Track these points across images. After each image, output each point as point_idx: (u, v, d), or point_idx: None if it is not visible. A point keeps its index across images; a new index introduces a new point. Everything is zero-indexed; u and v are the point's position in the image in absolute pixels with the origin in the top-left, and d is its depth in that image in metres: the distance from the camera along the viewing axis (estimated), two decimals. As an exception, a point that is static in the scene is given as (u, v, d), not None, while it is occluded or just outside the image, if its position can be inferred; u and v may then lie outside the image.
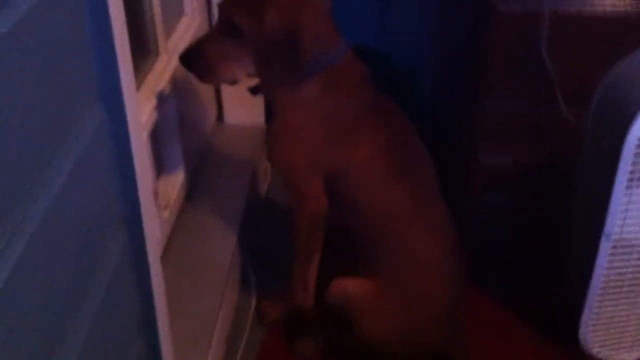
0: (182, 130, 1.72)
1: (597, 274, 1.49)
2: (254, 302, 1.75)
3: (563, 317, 1.65)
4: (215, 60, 1.46)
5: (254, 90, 1.57)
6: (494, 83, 1.73)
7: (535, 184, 1.84)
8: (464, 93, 1.87)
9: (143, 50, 1.58)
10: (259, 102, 2.02)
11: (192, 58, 1.48)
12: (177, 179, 1.74)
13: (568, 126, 1.69)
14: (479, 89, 1.76)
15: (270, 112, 1.62)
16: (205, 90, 1.95)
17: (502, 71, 1.71)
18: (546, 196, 1.83)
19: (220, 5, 1.48)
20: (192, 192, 1.81)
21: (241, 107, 2.06)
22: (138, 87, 1.47)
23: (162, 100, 1.57)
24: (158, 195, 1.62)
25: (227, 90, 2.04)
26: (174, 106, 1.67)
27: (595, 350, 1.59)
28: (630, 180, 1.39)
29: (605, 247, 1.46)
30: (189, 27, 1.83)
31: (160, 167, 1.71)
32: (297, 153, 1.50)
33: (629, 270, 1.50)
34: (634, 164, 1.36)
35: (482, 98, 1.76)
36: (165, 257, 1.56)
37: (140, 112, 1.35)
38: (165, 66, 1.63)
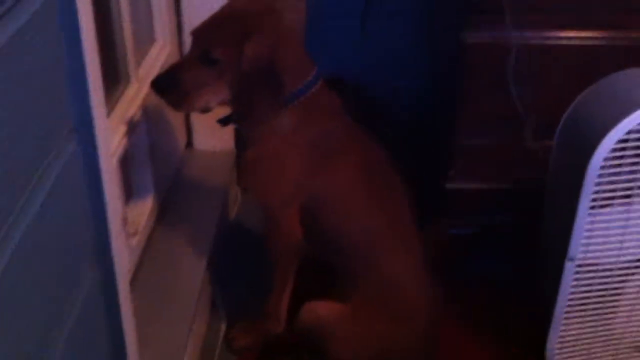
0: (152, 156, 1.72)
1: (563, 295, 1.52)
2: (223, 329, 1.74)
3: (531, 338, 1.67)
4: (190, 88, 1.45)
5: (224, 121, 1.57)
6: (464, 113, 1.76)
7: (503, 211, 1.87)
8: (435, 122, 1.90)
9: (114, 77, 1.58)
10: (228, 128, 2.02)
11: (165, 85, 1.47)
12: (146, 205, 1.73)
13: (535, 156, 1.72)
14: (450, 118, 1.79)
15: (240, 138, 1.62)
16: (175, 117, 1.96)
17: (472, 102, 1.75)
18: (514, 222, 1.86)
19: (194, 33, 1.47)
20: (161, 218, 1.80)
21: (211, 133, 2.06)
22: (108, 114, 1.47)
23: (132, 126, 1.57)
24: (127, 222, 1.61)
25: (196, 116, 2.05)
26: (144, 132, 1.67)
27: (561, 369, 1.61)
28: (593, 204, 1.42)
29: (569, 270, 1.49)
30: (160, 54, 1.84)
31: (130, 192, 1.71)
32: (273, 183, 1.51)
33: (593, 292, 1.53)
34: (596, 186, 1.40)
35: (452, 127, 1.80)
36: (134, 284, 1.55)
37: (110, 140, 1.35)
38: (136, 93, 1.63)
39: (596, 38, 1.69)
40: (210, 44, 1.43)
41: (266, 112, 1.45)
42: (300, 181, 1.50)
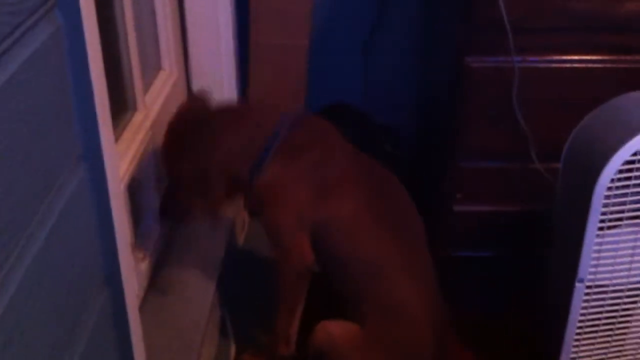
0: (159, 182, 1.73)
1: (573, 316, 1.52)
2: (233, 355, 1.74)
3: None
4: (186, 206, 1.63)
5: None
6: (468, 138, 1.77)
7: (510, 235, 1.87)
8: (440, 148, 1.91)
9: (121, 104, 1.60)
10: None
11: (171, 211, 1.65)
12: (154, 230, 1.74)
13: (541, 179, 1.73)
14: (455, 143, 1.80)
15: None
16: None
17: (476, 126, 1.75)
18: (521, 246, 1.86)
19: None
20: (170, 243, 1.81)
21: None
22: (116, 141, 1.49)
23: (139, 153, 1.59)
24: (135, 248, 1.62)
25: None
26: (151, 158, 1.69)
27: (573, 392, 1.60)
28: (601, 226, 1.42)
29: (579, 291, 1.49)
30: (167, 82, 1.86)
31: (138, 218, 1.72)
32: (282, 212, 1.53)
33: (604, 312, 1.53)
34: (604, 207, 1.40)
35: (457, 152, 1.80)
36: (142, 310, 1.55)
37: (118, 167, 1.36)
38: (143, 120, 1.65)
39: (600, 61, 1.70)
40: (167, 169, 1.61)
41: (201, 215, 1.63)
42: (304, 212, 1.52)
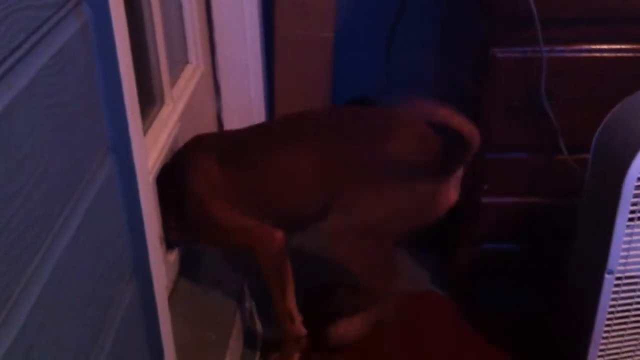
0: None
1: (602, 309, 1.50)
2: (259, 349, 1.74)
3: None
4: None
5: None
6: (494, 129, 1.75)
7: (537, 227, 1.86)
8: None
9: (149, 98, 1.61)
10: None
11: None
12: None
13: (569, 170, 1.71)
14: (480, 135, 1.79)
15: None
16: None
17: (502, 118, 1.74)
18: (548, 238, 1.85)
19: None
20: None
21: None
22: (144, 134, 1.50)
23: (167, 146, 1.60)
24: (163, 240, 1.63)
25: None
26: (179, 152, 1.70)
27: (602, 384, 1.59)
28: (631, 217, 1.41)
29: (609, 283, 1.47)
30: (194, 75, 1.87)
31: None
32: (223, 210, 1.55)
33: (633, 304, 1.51)
34: (634, 198, 1.39)
35: (483, 145, 1.79)
36: (171, 303, 1.57)
37: (147, 160, 1.38)
38: (171, 113, 1.66)
39: (630, 50, 1.67)
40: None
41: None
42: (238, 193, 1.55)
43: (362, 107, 1.62)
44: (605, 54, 1.68)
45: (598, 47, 1.68)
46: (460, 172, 1.51)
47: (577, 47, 1.68)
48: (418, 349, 1.79)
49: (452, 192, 1.50)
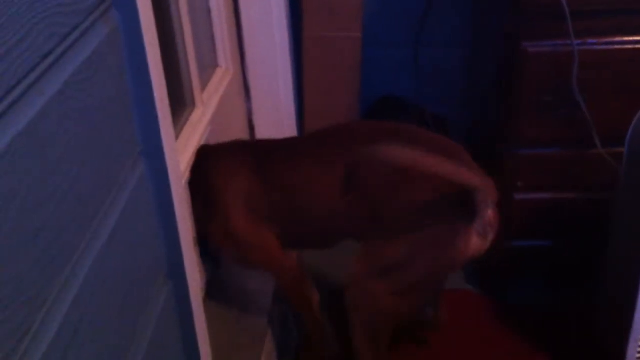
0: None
1: (641, 306, 1.48)
2: (293, 353, 1.75)
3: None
4: None
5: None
6: (525, 125, 1.74)
7: (572, 223, 1.83)
8: (496, 137, 1.88)
9: (180, 102, 1.63)
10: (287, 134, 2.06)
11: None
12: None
13: (603, 164, 1.69)
14: (511, 131, 1.77)
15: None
16: (237, 138, 1.99)
17: (534, 113, 1.72)
18: (583, 234, 1.83)
19: None
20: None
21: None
22: (175, 138, 1.51)
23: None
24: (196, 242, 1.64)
25: (260, 136, 2.08)
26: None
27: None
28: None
29: (647, 278, 1.45)
30: (223, 79, 1.88)
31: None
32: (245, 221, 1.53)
33: (674, 302, 1.48)
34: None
35: (514, 141, 1.77)
36: (205, 304, 1.57)
37: (179, 163, 1.39)
38: (201, 117, 1.67)
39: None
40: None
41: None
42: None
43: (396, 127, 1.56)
44: (638, 46, 1.66)
45: (630, 38, 1.65)
46: (490, 218, 1.40)
47: (608, 39, 1.65)
48: (453, 346, 1.78)
49: (474, 239, 1.39)
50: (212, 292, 1.66)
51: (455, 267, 1.46)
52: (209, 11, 1.84)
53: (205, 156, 1.57)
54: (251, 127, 2.08)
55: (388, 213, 1.43)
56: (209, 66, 1.86)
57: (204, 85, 1.77)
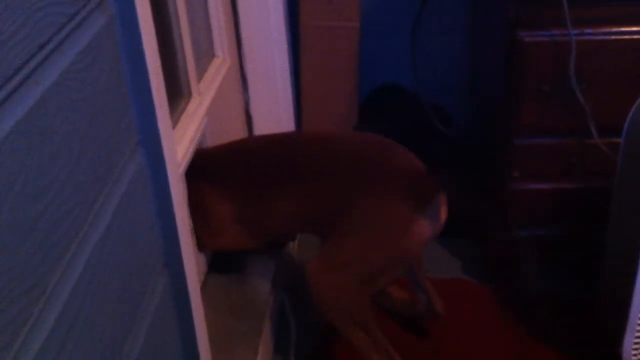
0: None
1: (638, 294, 1.48)
2: (292, 342, 1.75)
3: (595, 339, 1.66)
4: None
5: None
6: (523, 114, 1.74)
7: (569, 212, 1.84)
8: (495, 127, 1.88)
9: (176, 92, 1.62)
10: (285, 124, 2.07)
11: None
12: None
13: (600, 154, 1.69)
14: (510, 121, 1.77)
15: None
16: (234, 129, 1.99)
17: (531, 102, 1.72)
18: (580, 223, 1.83)
19: None
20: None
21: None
22: (172, 128, 1.51)
23: (195, 139, 1.61)
24: (194, 233, 1.65)
25: (257, 126, 2.08)
26: (206, 145, 1.71)
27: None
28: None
29: (645, 269, 1.45)
30: (220, 69, 1.88)
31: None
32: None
33: (670, 290, 1.49)
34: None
35: (513, 131, 1.77)
36: (203, 294, 1.57)
37: (176, 152, 1.39)
38: (198, 107, 1.67)
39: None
40: None
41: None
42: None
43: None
44: (635, 36, 1.66)
45: (627, 29, 1.65)
46: (438, 202, 1.49)
47: (606, 29, 1.65)
48: (453, 335, 1.79)
49: (425, 226, 1.47)
50: (209, 282, 1.67)
51: (412, 252, 1.55)
52: (205, 0, 1.83)
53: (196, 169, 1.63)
54: (248, 117, 2.07)
55: (341, 216, 1.50)
56: (205, 56, 1.86)
57: (200, 75, 1.76)
